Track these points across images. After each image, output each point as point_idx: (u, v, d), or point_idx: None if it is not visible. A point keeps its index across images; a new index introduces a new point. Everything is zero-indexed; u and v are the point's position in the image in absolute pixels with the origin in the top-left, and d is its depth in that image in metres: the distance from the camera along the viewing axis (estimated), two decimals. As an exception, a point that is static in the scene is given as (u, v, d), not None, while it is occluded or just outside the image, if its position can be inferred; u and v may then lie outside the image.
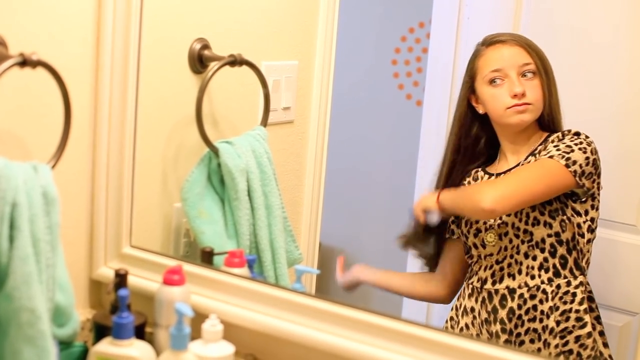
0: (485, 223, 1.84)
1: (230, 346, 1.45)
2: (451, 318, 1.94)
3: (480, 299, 1.86)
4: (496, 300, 1.83)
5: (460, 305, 1.92)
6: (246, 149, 1.74)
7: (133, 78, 1.63)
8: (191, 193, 1.70)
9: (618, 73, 1.96)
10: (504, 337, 1.82)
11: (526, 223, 1.80)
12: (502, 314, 1.82)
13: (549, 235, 1.80)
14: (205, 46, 1.76)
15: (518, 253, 1.82)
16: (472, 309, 1.88)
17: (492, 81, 1.83)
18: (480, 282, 1.86)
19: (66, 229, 1.53)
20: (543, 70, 1.81)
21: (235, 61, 1.76)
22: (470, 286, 1.89)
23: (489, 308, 1.84)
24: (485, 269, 1.85)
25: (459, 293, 1.95)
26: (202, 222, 1.70)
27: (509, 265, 1.83)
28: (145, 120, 1.67)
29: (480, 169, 1.91)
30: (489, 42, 1.86)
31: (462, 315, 1.91)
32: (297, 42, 1.97)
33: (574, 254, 1.81)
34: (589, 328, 1.80)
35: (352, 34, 2.31)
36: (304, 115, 1.99)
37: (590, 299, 1.81)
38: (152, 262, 1.63)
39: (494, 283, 1.84)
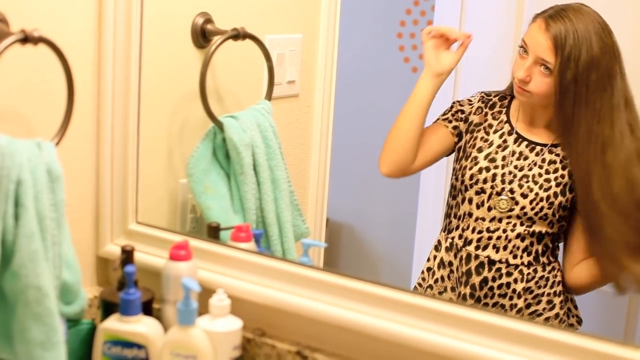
0: (492, 188, 1.83)
1: (238, 321, 1.45)
2: (428, 269, 1.95)
3: (459, 256, 1.87)
4: (473, 264, 1.84)
5: (437, 257, 1.92)
6: (251, 123, 1.73)
7: (136, 53, 1.62)
8: (197, 168, 1.69)
9: (624, 51, 1.94)
10: (470, 301, 1.83)
11: (536, 214, 1.80)
12: (475, 280, 1.83)
13: (547, 233, 1.82)
14: (208, 20, 1.75)
15: (512, 231, 1.82)
16: (450, 263, 1.89)
17: (520, 47, 1.79)
18: (463, 241, 1.86)
19: (72, 207, 1.52)
20: (564, 75, 1.72)
21: (239, 35, 1.74)
22: (449, 240, 1.89)
23: (464, 269, 1.85)
24: (473, 232, 1.84)
25: (434, 244, 1.94)
26: (208, 198, 1.69)
27: (498, 237, 1.82)
28: (149, 95, 1.66)
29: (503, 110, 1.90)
30: (542, 15, 1.77)
31: (439, 267, 1.91)
32: (301, 15, 1.95)
33: (555, 243, 1.85)
34: (557, 310, 1.84)
35: (356, 6, 2.29)
36: (309, 89, 1.98)
37: (560, 282, 1.85)
38: (159, 238, 1.63)
39: (477, 248, 1.83)
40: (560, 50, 1.72)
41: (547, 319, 1.84)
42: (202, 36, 1.75)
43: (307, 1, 1.96)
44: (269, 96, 1.82)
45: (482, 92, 1.93)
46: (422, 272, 1.96)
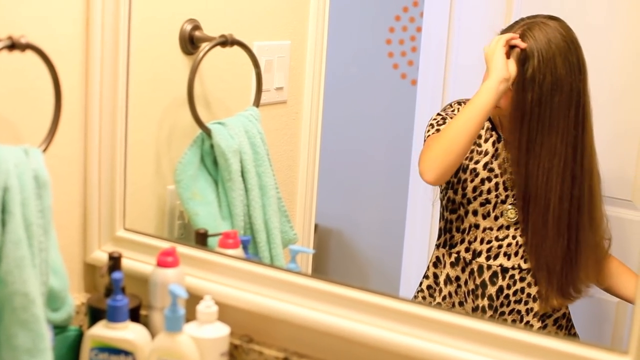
0: (497, 197, 1.83)
1: (225, 327, 1.45)
2: (429, 286, 1.94)
3: (468, 270, 1.87)
4: (486, 275, 1.84)
5: (441, 273, 1.91)
6: (239, 130, 1.73)
7: (124, 60, 1.62)
8: (184, 175, 1.69)
9: (613, 54, 1.95)
10: (489, 313, 1.83)
11: None
12: (492, 290, 1.83)
13: None
14: (196, 27, 1.75)
15: (522, 236, 1.82)
16: (457, 278, 1.88)
17: None
18: (471, 254, 1.86)
19: (59, 213, 1.52)
20: (525, 96, 1.75)
21: (227, 41, 1.75)
22: (454, 255, 1.89)
23: (478, 281, 1.85)
24: (482, 243, 1.85)
25: (432, 261, 1.94)
26: (195, 204, 1.69)
27: (509, 245, 1.83)
28: (136, 102, 1.66)
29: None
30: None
31: (445, 284, 1.91)
32: (289, 22, 1.95)
33: None
34: (564, 309, 1.85)
35: (345, 13, 2.30)
36: (297, 96, 1.98)
37: None
38: (146, 245, 1.62)
39: (488, 258, 1.84)
40: (523, 71, 1.74)
41: (556, 319, 1.85)
42: (190, 43, 1.75)
43: (295, 8, 1.96)
44: (257, 103, 1.82)
45: (457, 102, 1.93)
46: (422, 291, 1.95)
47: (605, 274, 1.82)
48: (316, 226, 2.10)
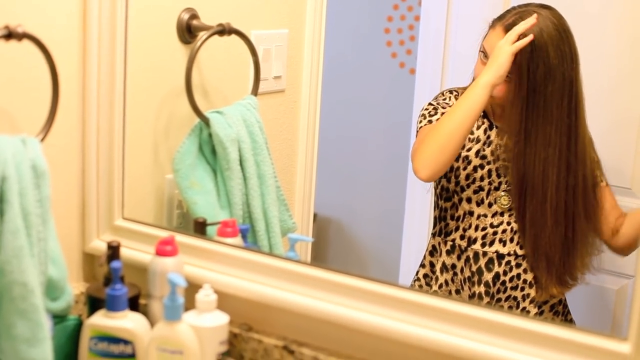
0: (490, 184, 1.83)
1: (224, 316, 1.45)
2: (425, 275, 1.94)
3: (464, 257, 1.87)
4: (482, 262, 1.84)
5: (437, 261, 1.92)
6: (237, 119, 1.73)
7: (121, 49, 1.61)
8: (183, 164, 1.69)
9: (609, 42, 1.95)
10: (486, 299, 1.83)
11: None
12: (488, 277, 1.84)
13: None
14: (194, 16, 1.75)
15: (517, 222, 1.82)
16: (454, 266, 1.88)
17: (481, 51, 1.81)
18: (467, 241, 1.86)
19: (57, 202, 1.52)
20: (521, 85, 1.74)
21: (224, 30, 1.74)
22: (450, 243, 1.89)
23: (474, 268, 1.85)
24: (476, 229, 1.85)
25: (428, 250, 1.94)
26: (194, 193, 1.69)
27: (504, 231, 1.83)
28: (134, 91, 1.66)
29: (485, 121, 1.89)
30: (501, 23, 1.78)
31: (441, 272, 1.91)
32: (287, 11, 1.95)
33: None
34: (561, 295, 1.85)
35: (343, 2, 2.29)
36: (296, 84, 1.98)
37: None
38: (145, 234, 1.62)
39: (483, 245, 1.84)
40: (517, 61, 1.73)
41: (552, 305, 1.86)
42: (188, 32, 1.75)
43: (293, -4, 1.96)
44: (255, 91, 1.82)
45: (449, 90, 1.92)
46: (418, 279, 1.95)
47: (618, 236, 1.81)
48: (315, 215, 2.10)
